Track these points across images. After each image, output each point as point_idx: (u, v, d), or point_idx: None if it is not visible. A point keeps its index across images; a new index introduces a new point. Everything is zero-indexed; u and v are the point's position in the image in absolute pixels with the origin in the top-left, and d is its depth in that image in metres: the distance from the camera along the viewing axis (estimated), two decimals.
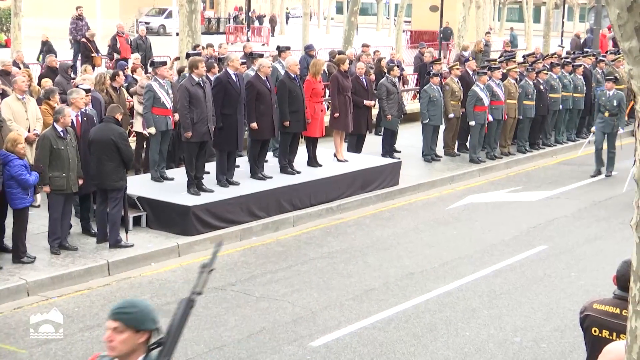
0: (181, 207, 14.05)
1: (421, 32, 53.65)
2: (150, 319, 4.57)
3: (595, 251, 14.30)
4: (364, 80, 18.87)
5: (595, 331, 5.92)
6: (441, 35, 39.57)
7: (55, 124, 12.55)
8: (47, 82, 16.32)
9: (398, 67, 21.25)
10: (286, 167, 16.41)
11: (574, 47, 36.47)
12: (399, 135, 20.56)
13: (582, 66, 23.87)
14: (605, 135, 19.66)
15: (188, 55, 16.94)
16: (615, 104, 19.55)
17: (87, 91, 14.23)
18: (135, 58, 20.46)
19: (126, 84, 17.88)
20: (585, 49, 33.31)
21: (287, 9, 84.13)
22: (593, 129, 20.36)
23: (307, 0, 50.48)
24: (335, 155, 17.90)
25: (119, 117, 13.14)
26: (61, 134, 12.50)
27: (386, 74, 19.98)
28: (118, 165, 12.93)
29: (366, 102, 18.66)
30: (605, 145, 19.86)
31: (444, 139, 20.84)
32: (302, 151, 17.11)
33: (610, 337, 5.76)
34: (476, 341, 10.41)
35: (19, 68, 19.14)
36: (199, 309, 11.14)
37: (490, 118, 20.15)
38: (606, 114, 19.56)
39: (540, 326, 10.93)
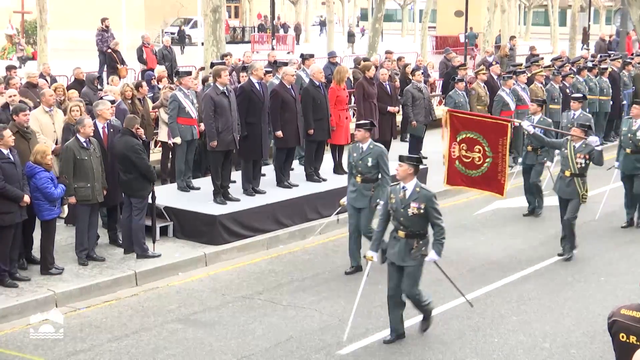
0: (208, 216, 14.07)
1: (446, 37, 53.54)
2: None
3: (625, 255, 14.18)
4: (387, 87, 18.85)
5: (622, 337, 5.86)
6: (467, 40, 39.46)
7: (77, 134, 12.62)
8: (73, 94, 16.40)
9: (423, 73, 21.19)
10: (312, 175, 16.39)
11: (598, 50, 36.24)
12: (426, 141, 20.49)
13: (609, 69, 23.72)
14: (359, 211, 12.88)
15: (212, 65, 16.99)
16: (370, 163, 12.68)
17: (112, 102, 14.30)
18: (162, 71, 20.56)
19: (151, 95, 17.96)
20: (610, 52, 33.09)
21: (320, 16, 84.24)
22: None
23: (332, 7, 50.58)
24: None
25: (136, 128, 13.15)
26: (84, 144, 12.55)
27: (411, 80, 19.95)
28: (138, 177, 12.97)
29: (390, 109, 18.64)
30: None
31: None
32: (327, 159, 17.10)
33: (638, 343, 5.70)
34: (505, 347, 10.34)
35: (46, 80, 19.27)
36: (226, 318, 11.17)
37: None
38: (358, 178, 12.72)
39: (570, 332, 10.83)
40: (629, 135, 15.69)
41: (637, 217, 15.87)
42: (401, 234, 10.23)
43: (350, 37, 57.97)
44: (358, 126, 13.00)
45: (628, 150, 15.71)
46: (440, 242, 10.25)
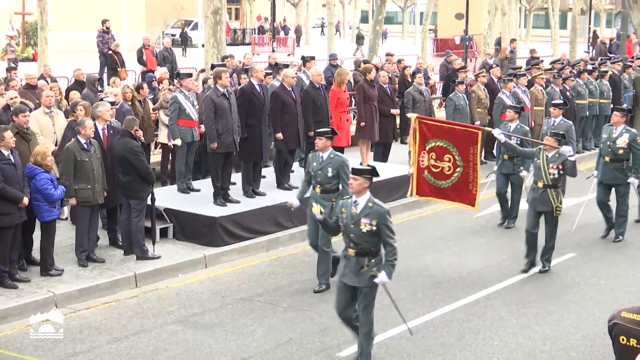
0: (208, 218, 14.07)
1: (447, 40, 53.53)
2: None
3: (625, 258, 14.17)
4: (387, 89, 18.87)
5: (622, 340, 5.86)
6: (467, 43, 39.49)
7: (77, 136, 12.61)
8: (75, 95, 16.41)
9: (423, 76, 21.20)
10: None
11: (598, 53, 36.27)
12: None
13: (609, 72, 23.75)
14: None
15: (213, 67, 17.00)
16: (330, 173, 12.14)
17: (112, 104, 14.30)
18: (164, 72, 20.57)
19: (152, 97, 17.96)
20: (610, 55, 33.11)
21: (322, 19, 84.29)
22: None
23: (332, 10, 50.58)
24: (361, 164, 17.82)
25: (135, 130, 13.13)
26: (84, 145, 12.55)
27: (411, 82, 19.97)
28: (136, 178, 12.96)
29: (393, 111, 18.68)
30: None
31: None
32: None
33: (638, 346, 5.70)
34: (505, 350, 10.33)
35: (47, 82, 19.26)
36: (226, 320, 11.17)
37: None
38: (317, 189, 12.32)
39: (570, 335, 10.83)
40: (609, 142, 14.99)
41: (615, 231, 15.26)
42: (351, 252, 9.52)
43: (359, 39, 57.87)
44: (319, 134, 12.21)
45: (607, 159, 15.00)
46: (391, 263, 9.39)
